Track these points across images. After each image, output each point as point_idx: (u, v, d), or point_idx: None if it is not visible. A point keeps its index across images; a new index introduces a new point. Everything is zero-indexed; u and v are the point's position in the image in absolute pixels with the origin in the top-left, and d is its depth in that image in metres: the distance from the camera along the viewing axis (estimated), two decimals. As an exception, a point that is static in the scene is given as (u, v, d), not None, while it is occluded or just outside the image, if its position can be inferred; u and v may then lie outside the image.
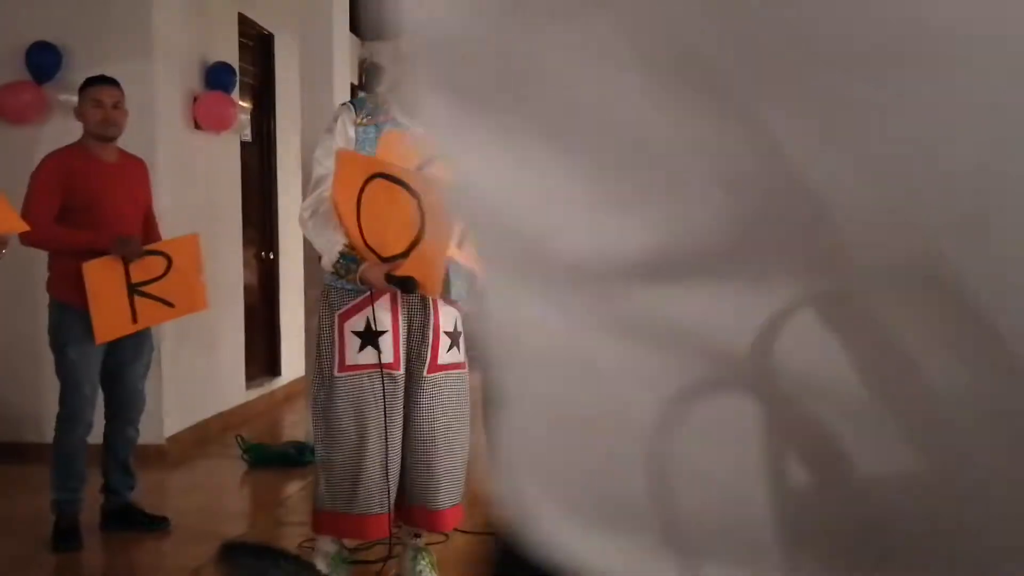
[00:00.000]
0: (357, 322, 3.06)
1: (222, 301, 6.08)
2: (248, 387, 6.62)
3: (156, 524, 4.07)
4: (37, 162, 3.87)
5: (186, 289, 4.04)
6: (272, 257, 7.23)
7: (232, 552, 1.17)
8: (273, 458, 5.18)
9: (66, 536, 3.84)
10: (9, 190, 3.36)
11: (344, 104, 3.23)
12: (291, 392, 7.18)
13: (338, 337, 3.07)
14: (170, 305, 3.99)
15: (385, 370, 3.05)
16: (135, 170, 4.05)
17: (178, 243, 4.08)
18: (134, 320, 3.89)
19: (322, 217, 3.01)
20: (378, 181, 2.93)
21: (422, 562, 3.35)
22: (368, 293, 3.05)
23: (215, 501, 4.62)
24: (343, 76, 5.53)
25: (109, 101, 3.86)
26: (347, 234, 3.00)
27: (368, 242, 2.97)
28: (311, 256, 5.23)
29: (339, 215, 3.02)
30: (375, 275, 2.95)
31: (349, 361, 3.06)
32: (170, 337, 5.33)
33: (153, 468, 4.73)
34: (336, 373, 3.07)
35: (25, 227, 3.40)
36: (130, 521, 4.04)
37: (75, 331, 3.78)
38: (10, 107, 5.09)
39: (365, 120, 3.08)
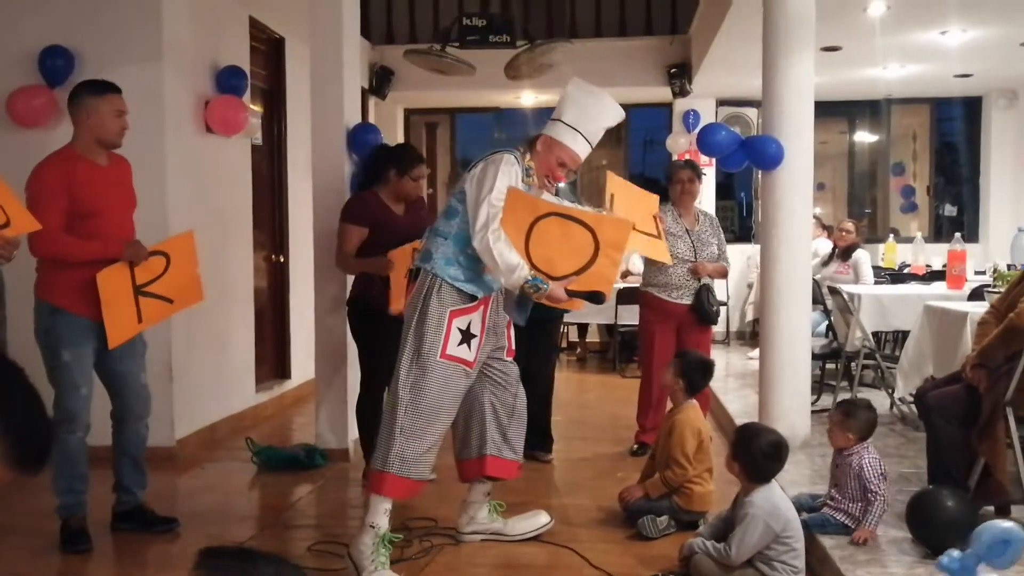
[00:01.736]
0: (462, 321, 3.55)
1: (232, 304, 6.10)
2: (258, 390, 6.63)
3: (166, 525, 4.09)
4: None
5: (183, 284, 4.09)
6: (282, 260, 7.24)
7: (211, 556, 1.16)
8: (282, 461, 5.19)
9: (75, 537, 3.86)
10: (21, 193, 3.37)
11: (513, 155, 3.60)
12: (300, 395, 7.19)
13: (446, 328, 3.50)
14: (169, 301, 4.04)
15: (471, 368, 3.59)
16: (124, 170, 4.04)
17: (176, 241, 4.14)
18: (139, 320, 3.92)
19: (505, 244, 3.46)
20: (552, 219, 3.54)
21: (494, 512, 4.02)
22: (477, 300, 3.57)
23: (225, 503, 4.62)
24: (353, 79, 5.54)
25: (126, 110, 3.87)
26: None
27: (536, 264, 3.53)
28: (321, 259, 5.25)
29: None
30: (560, 292, 3.53)
31: (450, 351, 3.52)
32: (180, 340, 5.35)
33: (163, 470, 4.74)
34: (439, 358, 3.49)
35: (38, 226, 3.42)
36: (140, 522, 4.06)
37: (71, 334, 3.78)
38: (22, 111, 5.12)
39: (525, 180, 3.63)
